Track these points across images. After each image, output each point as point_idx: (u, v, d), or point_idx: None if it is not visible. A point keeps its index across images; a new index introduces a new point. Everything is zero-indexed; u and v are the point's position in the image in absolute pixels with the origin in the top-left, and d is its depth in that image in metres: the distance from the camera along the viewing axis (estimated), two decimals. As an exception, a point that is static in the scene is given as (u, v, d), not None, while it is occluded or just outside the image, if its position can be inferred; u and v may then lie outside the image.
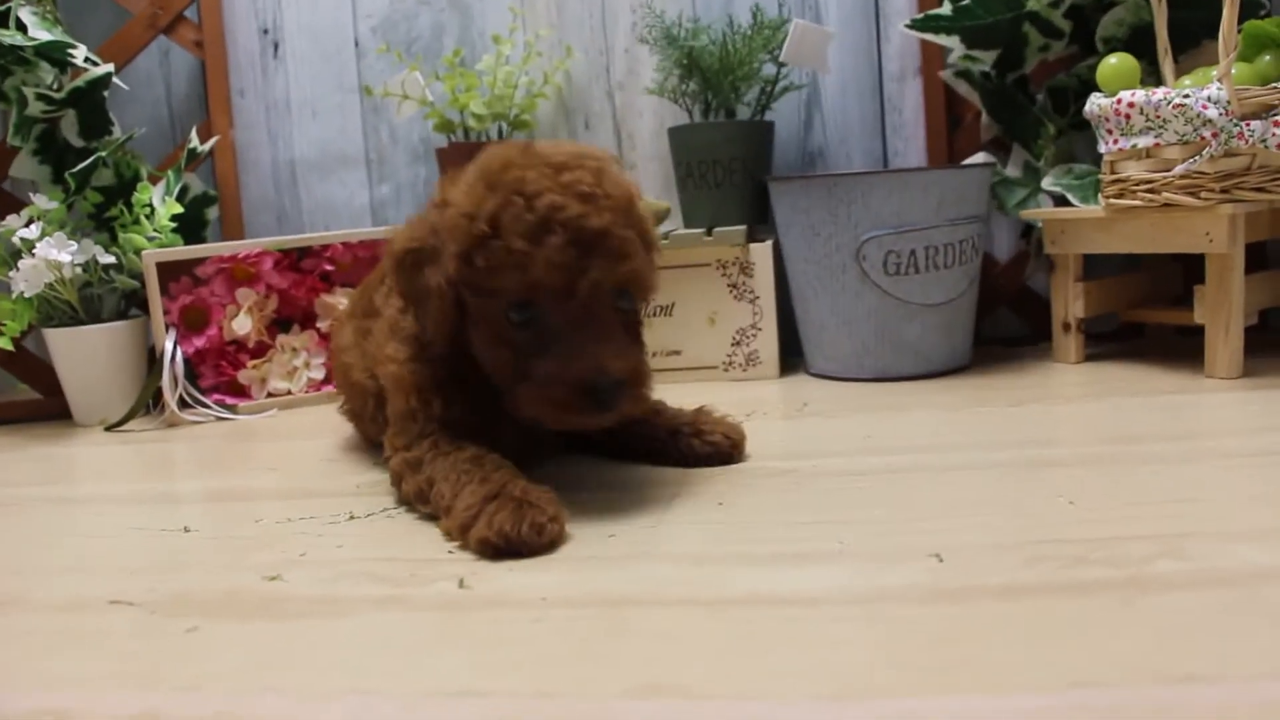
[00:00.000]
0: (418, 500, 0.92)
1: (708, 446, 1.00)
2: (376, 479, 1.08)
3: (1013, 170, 1.52)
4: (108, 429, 1.48)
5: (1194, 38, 1.37)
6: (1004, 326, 1.62)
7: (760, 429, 1.18)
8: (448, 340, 0.91)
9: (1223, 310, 1.22)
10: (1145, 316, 1.43)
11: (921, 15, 1.43)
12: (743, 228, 1.43)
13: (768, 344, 1.45)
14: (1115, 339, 1.55)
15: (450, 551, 0.82)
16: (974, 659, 0.57)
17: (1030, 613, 0.63)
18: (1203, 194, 1.19)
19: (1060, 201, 1.44)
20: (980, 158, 1.51)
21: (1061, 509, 0.82)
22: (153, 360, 1.58)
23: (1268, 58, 1.21)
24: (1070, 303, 1.39)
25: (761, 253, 1.43)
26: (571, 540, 0.82)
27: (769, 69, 1.50)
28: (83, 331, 1.50)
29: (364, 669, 0.62)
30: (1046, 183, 1.43)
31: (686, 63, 1.48)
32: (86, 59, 1.49)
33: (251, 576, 0.80)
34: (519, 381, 0.86)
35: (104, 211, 1.57)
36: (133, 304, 1.60)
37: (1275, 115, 1.15)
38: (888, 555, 0.75)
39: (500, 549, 0.79)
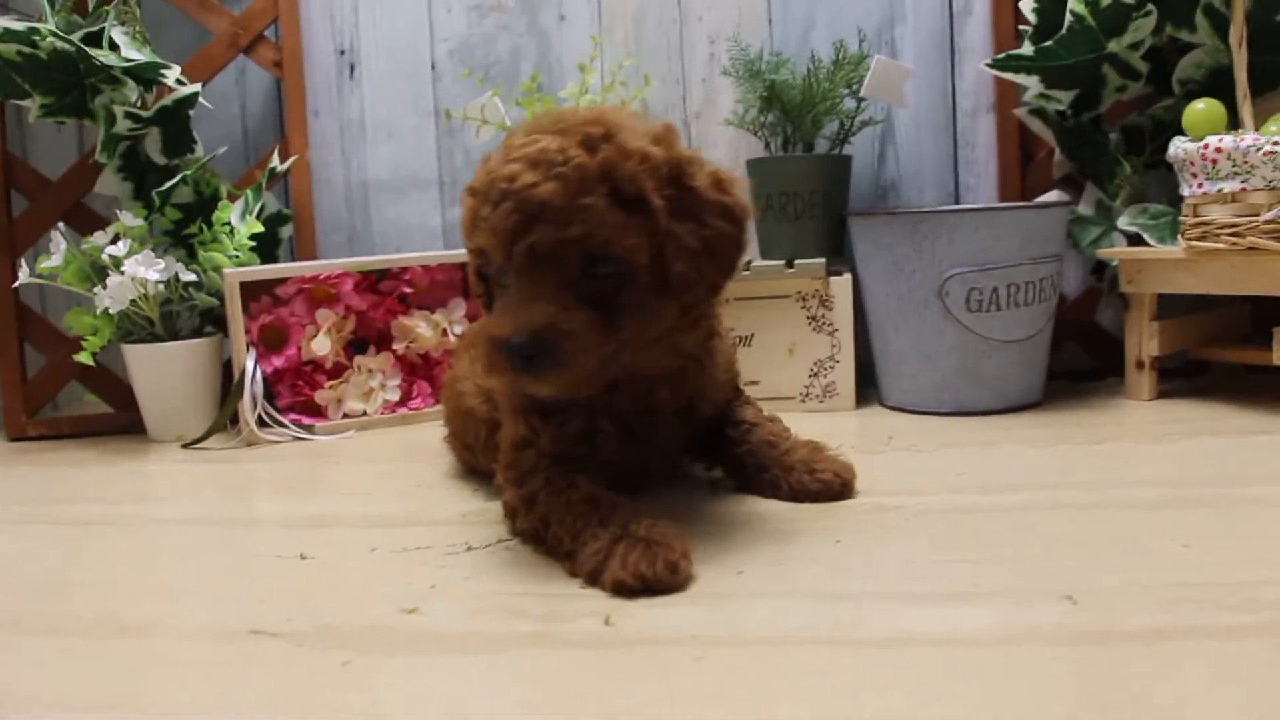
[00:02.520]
0: (533, 538, 0.93)
1: (818, 484, 1.01)
2: (479, 508, 1.09)
3: (1085, 208, 1.53)
4: (185, 446, 1.50)
5: (1271, 81, 1.39)
6: (1071, 361, 1.63)
7: (853, 462, 1.19)
8: (488, 307, 0.96)
9: (1305, 354, 1.24)
10: (1220, 355, 1.44)
11: (1003, 55, 1.44)
12: (823, 261, 1.45)
13: (845, 376, 1.47)
14: (1182, 375, 1.56)
15: (583, 587, 0.83)
16: (1132, 702, 0.58)
17: (1178, 656, 0.64)
18: (1289, 239, 1.20)
19: (1135, 240, 1.46)
20: (1055, 195, 1.53)
21: (1179, 552, 0.84)
22: (227, 378, 1.60)
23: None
24: (1145, 341, 1.41)
25: (841, 286, 1.45)
26: (700, 577, 0.84)
27: (847, 103, 1.52)
28: (162, 348, 1.52)
29: (531, 705, 0.63)
30: (1122, 222, 1.44)
31: (767, 95, 1.50)
32: (177, 80, 1.51)
33: (388, 609, 0.81)
34: None
35: (182, 229, 1.59)
36: (207, 321, 1.62)
37: (1366, 165, 1.17)
38: (1021, 596, 0.76)
39: (636, 589, 0.80)
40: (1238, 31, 1.31)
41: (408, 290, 1.58)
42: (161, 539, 1.07)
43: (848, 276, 1.46)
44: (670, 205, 0.86)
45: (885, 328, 1.43)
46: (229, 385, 1.60)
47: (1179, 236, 1.33)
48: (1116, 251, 1.42)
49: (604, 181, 0.84)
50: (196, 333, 1.58)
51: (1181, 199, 1.32)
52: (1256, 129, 1.28)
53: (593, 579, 0.83)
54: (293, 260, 1.70)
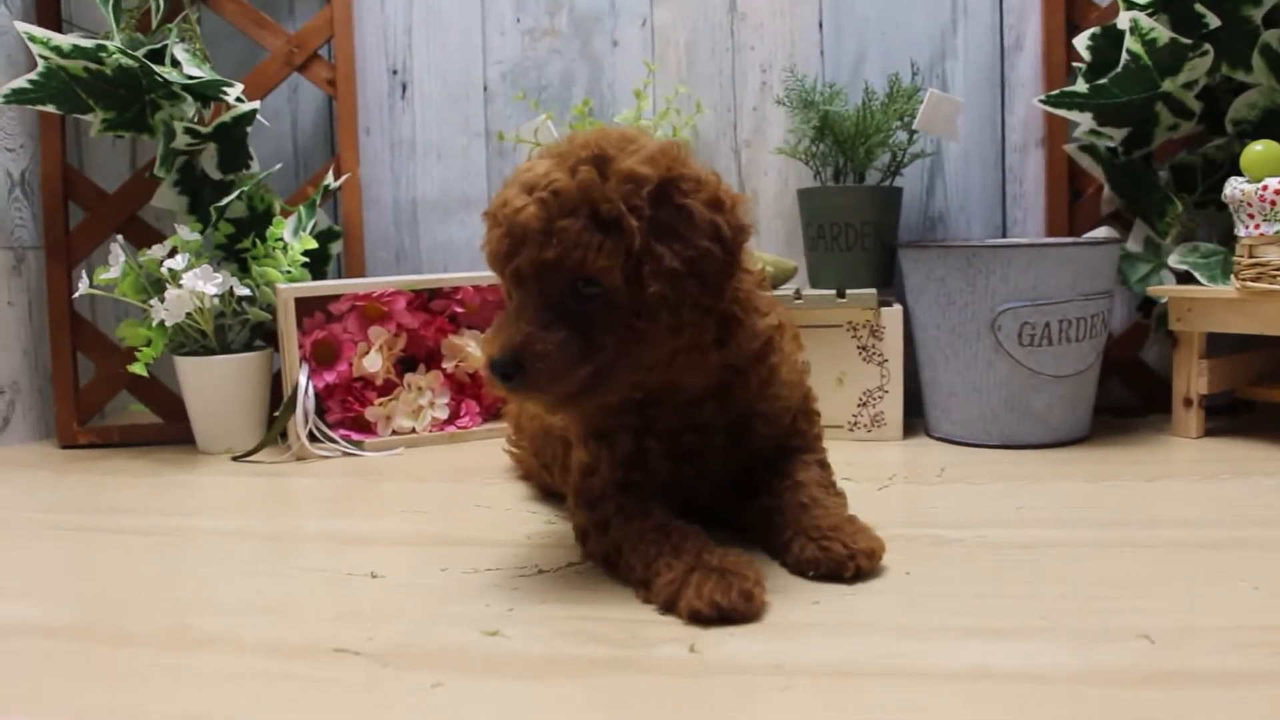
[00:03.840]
0: (605, 563, 0.95)
1: (820, 551, 0.91)
2: (542, 530, 1.10)
3: (1134, 245, 1.54)
4: (236, 459, 1.51)
5: (1325, 124, 1.40)
6: (1115, 397, 1.64)
7: (907, 494, 1.20)
8: None
9: (1358, 397, 1.25)
10: (1268, 395, 1.44)
11: (1057, 92, 1.46)
12: (874, 291, 1.46)
13: (893, 406, 1.47)
14: (1226, 414, 1.56)
15: (659, 613, 0.84)
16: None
17: (1255, 700, 0.65)
18: (1346, 283, 1.21)
19: (1183, 278, 1.47)
20: (1103, 232, 1.54)
21: (1247, 593, 0.84)
22: (276, 392, 1.61)
23: None
24: (1194, 379, 1.41)
25: (892, 316, 1.46)
26: (774, 606, 0.84)
27: (899, 135, 1.54)
28: (214, 361, 1.53)
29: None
30: (1173, 260, 1.45)
31: (821, 125, 1.51)
32: (237, 97, 1.53)
33: (468, 630, 0.82)
34: None
35: (235, 243, 1.61)
36: (258, 335, 1.63)
37: None
38: (1095, 634, 0.77)
39: (712, 618, 0.81)
40: (1293, 74, 1.33)
41: (459, 309, 1.60)
42: (221, 552, 1.08)
43: (899, 307, 1.47)
44: (651, 225, 0.86)
45: (935, 359, 1.44)
46: (278, 399, 1.61)
47: (1232, 276, 1.34)
48: (1168, 290, 1.43)
49: (584, 204, 0.85)
50: (247, 346, 1.60)
51: (1235, 239, 1.33)
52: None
53: (668, 607, 0.84)
54: (341, 277, 1.72)
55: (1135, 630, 0.77)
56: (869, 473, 1.30)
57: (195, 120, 1.57)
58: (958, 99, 1.51)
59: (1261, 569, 0.90)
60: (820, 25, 1.66)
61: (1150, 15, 1.38)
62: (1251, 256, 1.30)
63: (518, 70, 1.74)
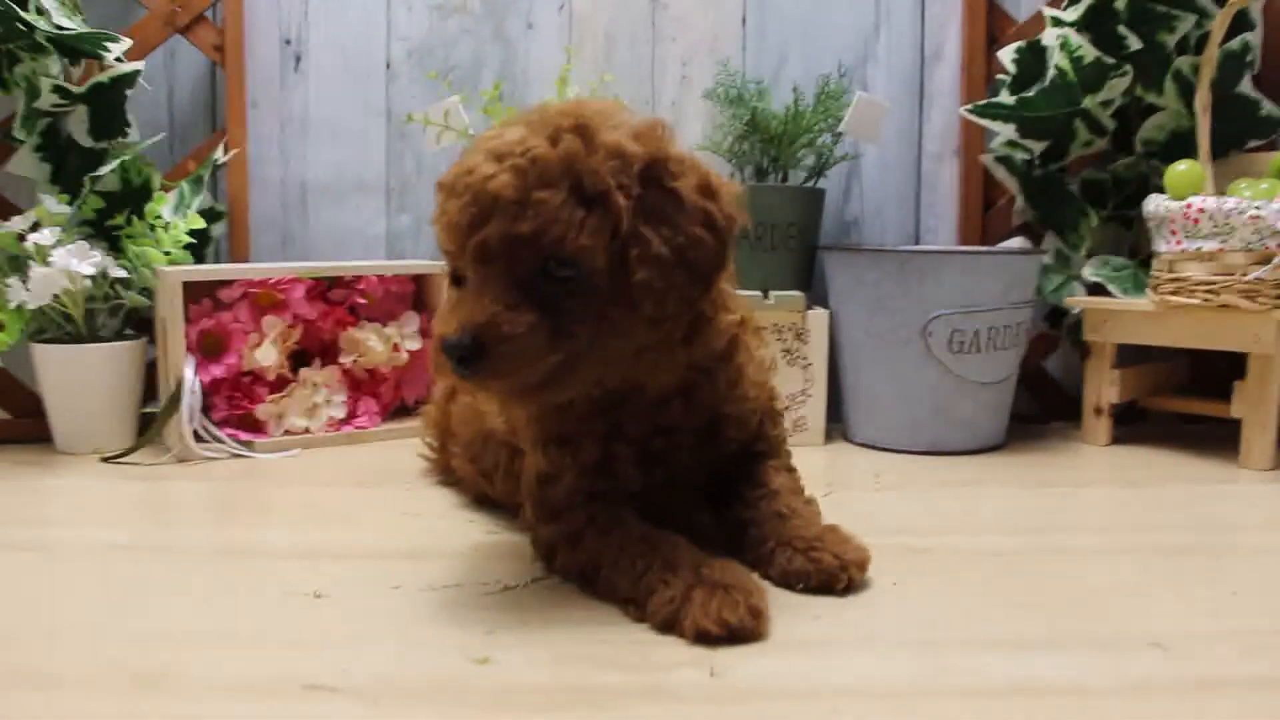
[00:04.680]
0: (578, 579, 0.88)
1: (809, 564, 0.87)
2: (489, 540, 1.02)
3: (1045, 257, 1.58)
4: (106, 460, 1.35)
5: (1225, 147, 1.46)
6: (1017, 404, 1.67)
7: (853, 501, 1.18)
8: None
9: (1262, 407, 1.30)
10: (1180, 406, 1.50)
11: (984, 102, 1.47)
12: (803, 294, 1.43)
13: (816, 411, 1.45)
14: (1121, 422, 1.61)
15: (657, 633, 0.78)
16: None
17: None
18: (1259, 299, 1.26)
19: (1094, 290, 1.51)
20: (1018, 242, 1.56)
21: (1230, 599, 0.86)
22: (151, 387, 1.45)
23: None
24: (1104, 388, 1.45)
25: (818, 319, 1.44)
26: (774, 621, 0.79)
27: (824, 136, 1.52)
28: (81, 350, 1.36)
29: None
30: (1087, 272, 1.49)
31: (749, 123, 1.48)
32: (118, 57, 1.37)
33: (453, 658, 0.73)
34: None
35: (105, 219, 1.44)
36: (128, 323, 1.46)
37: (1333, 233, 1.24)
38: (1105, 642, 0.77)
39: (721, 638, 0.75)
40: (1203, 98, 1.37)
41: (361, 300, 1.48)
42: (123, 570, 0.94)
43: (824, 310, 1.45)
44: (639, 206, 0.79)
45: (859, 364, 1.43)
46: (150, 394, 1.46)
47: (1148, 290, 1.38)
48: (1086, 301, 1.46)
49: (565, 176, 0.77)
50: (117, 335, 1.43)
51: (1154, 254, 1.37)
52: (1217, 191, 1.34)
53: (667, 626, 0.78)
54: (221, 261, 1.57)
55: (1144, 638, 0.77)
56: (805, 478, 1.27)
57: (61, 78, 1.39)
58: (884, 104, 1.51)
59: (1236, 573, 0.93)
60: (744, 21, 1.62)
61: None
62: (1171, 271, 1.34)
63: (424, 49, 1.63)
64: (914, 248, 1.52)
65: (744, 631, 0.76)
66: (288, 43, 1.62)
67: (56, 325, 1.38)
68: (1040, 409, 1.66)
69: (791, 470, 1.02)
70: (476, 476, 1.11)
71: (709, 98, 1.55)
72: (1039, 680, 0.70)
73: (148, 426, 1.38)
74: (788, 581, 0.88)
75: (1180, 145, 1.47)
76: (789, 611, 0.82)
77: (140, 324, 1.47)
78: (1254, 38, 1.47)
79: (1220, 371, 1.53)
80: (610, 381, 0.87)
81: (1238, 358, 1.34)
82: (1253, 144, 1.50)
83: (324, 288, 1.47)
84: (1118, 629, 0.79)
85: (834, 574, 0.86)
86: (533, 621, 0.81)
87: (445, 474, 1.23)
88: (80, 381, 1.37)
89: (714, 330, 0.90)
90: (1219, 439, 1.41)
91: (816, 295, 1.54)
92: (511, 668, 0.72)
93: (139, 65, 1.41)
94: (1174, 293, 1.33)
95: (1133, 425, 1.58)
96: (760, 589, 0.80)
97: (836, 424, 1.52)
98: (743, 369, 0.96)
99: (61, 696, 0.68)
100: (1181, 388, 1.59)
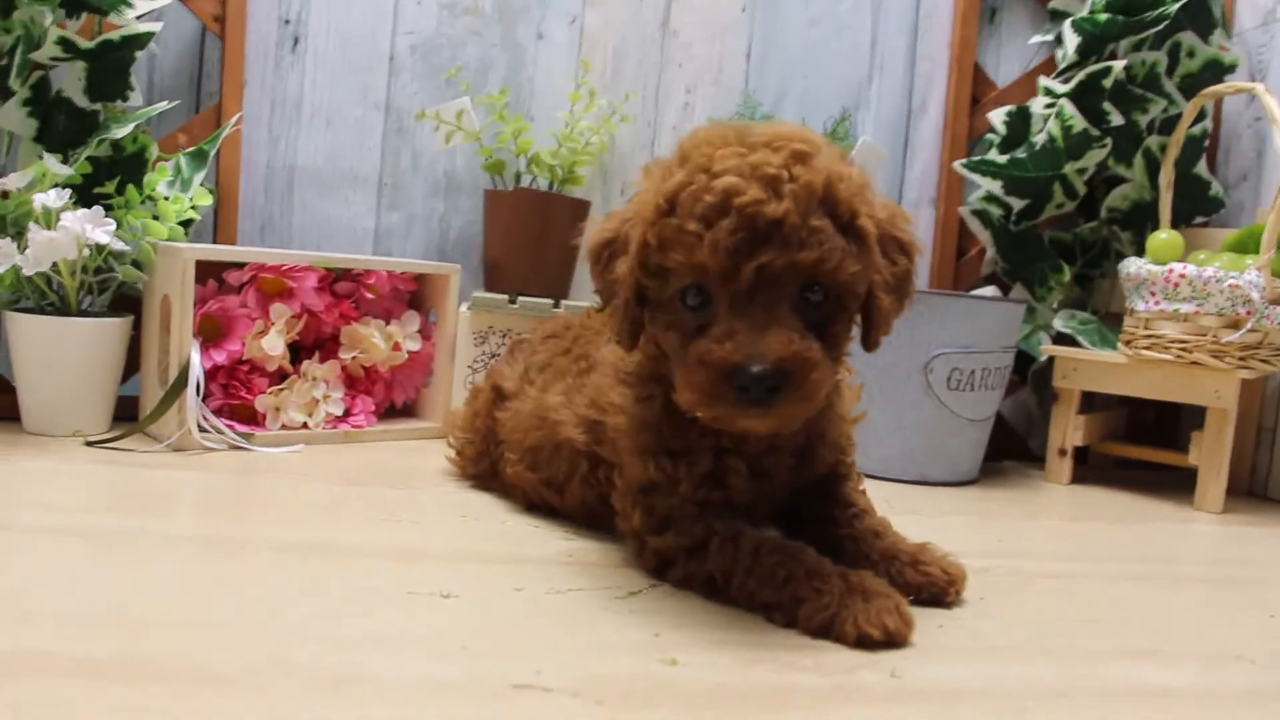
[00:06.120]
0: (703, 587, 0.88)
1: (921, 576, 0.92)
2: (570, 546, 1.01)
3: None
4: (89, 444, 1.25)
5: (1180, 220, 1.62)
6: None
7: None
8: (633, 340, 0.88)
9: (1217, 456, 1.44)
10: (1134, 453, 1.63)
11: (977, 159, 1.57)
12: (810, 323, 1.48)
13: (814, 437, 1.50)
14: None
15: (811, 638, 0.80)
16: None
17: None
18: (1225, 359, 1.40)
19: (1059, 340, 1.63)
20: (990, 291, 1.67)
21: (1270, 622, 0.96)
22: (130, 368, 1.36)
23: (1274, 255, 1.46)
24: (1069, 432, 1.57)
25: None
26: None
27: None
28: (67, 324, 1.26)
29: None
30: (1058, 323, 1.61)
31: (763, 155, 1.52)
32: (141, 16, 1.28)
33: (642, 660, 0.73)
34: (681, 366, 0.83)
35: (93, 186, 1.34)
36: (114, 299, 1.36)
37: (1292, 304, 1.40)
38: (1200, 655, 0.84)
39: (880, 643, 0.78)
40: (1167, 175, 1.52)
41: (368, 296, 1.43)
42: (196, 562, 0.89)
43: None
44: (876, 234, 0.83)
45: (861, 395, 1.49)
46: (128, 375, 1.36)
47: (1120, 343, 1.51)
48: (1060, 350, 1.58)
49: (825, 203, 0.79)
50: (104, 310, 1.33)
51: (1130, 311, 1.49)
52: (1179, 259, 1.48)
53: (823, 631, 0.80)
54: (205, 242, 1.48)
55: (1230, 653, 0.85)
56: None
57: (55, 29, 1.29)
58: (882, 149, 1.59)
59: (1255, 601, 1.03)
60: (748, 55, 1.68)
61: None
62: (1148, 329, 1.46)
63: (430, 45, 1.60)
64: (923, 289, 1.59)
65: (899, 636, 0.79)
66: (286, 22, 1.55)
67: (41, 294, 1.27)
68: (990, 448, 1.77)
69: (864, 492, 1.06)
70: (537, 485, 1.10)
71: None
72: (1175, 685, 0.77)
73: (125, 411, 1.28)
74: (900, 593, 0.91)
75: (1140, 215, 1.62)
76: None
77: (123, 301, 1.37)
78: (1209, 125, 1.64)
79: (1148, 422, 1.69)
80: None
81: (1167, 408, 1.48)
82: (1198, 220, 1.66)
83: (331, 279, 1.41)
84: (1202, 644, 0.87)
85: (944, 587, 0.91)
86: (686, 625, 0.81)
87: (479, 478, 1.21)
88: (61, 357, 1.26)
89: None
90: (1166, 483, 1.55)
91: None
92: (703, 669, 0.72)
93: (155, 27, 1.33)
94: (1148, 348, 1.46)
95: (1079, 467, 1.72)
96: (903, 598, 0.83)
97: (819, 452, 1.58)
98: (840, 389, 0.99)
99: (209, 691, 0.63)
100: (1118, 436, 1.74)
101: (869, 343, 0.87)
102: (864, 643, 0.78)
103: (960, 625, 0.87)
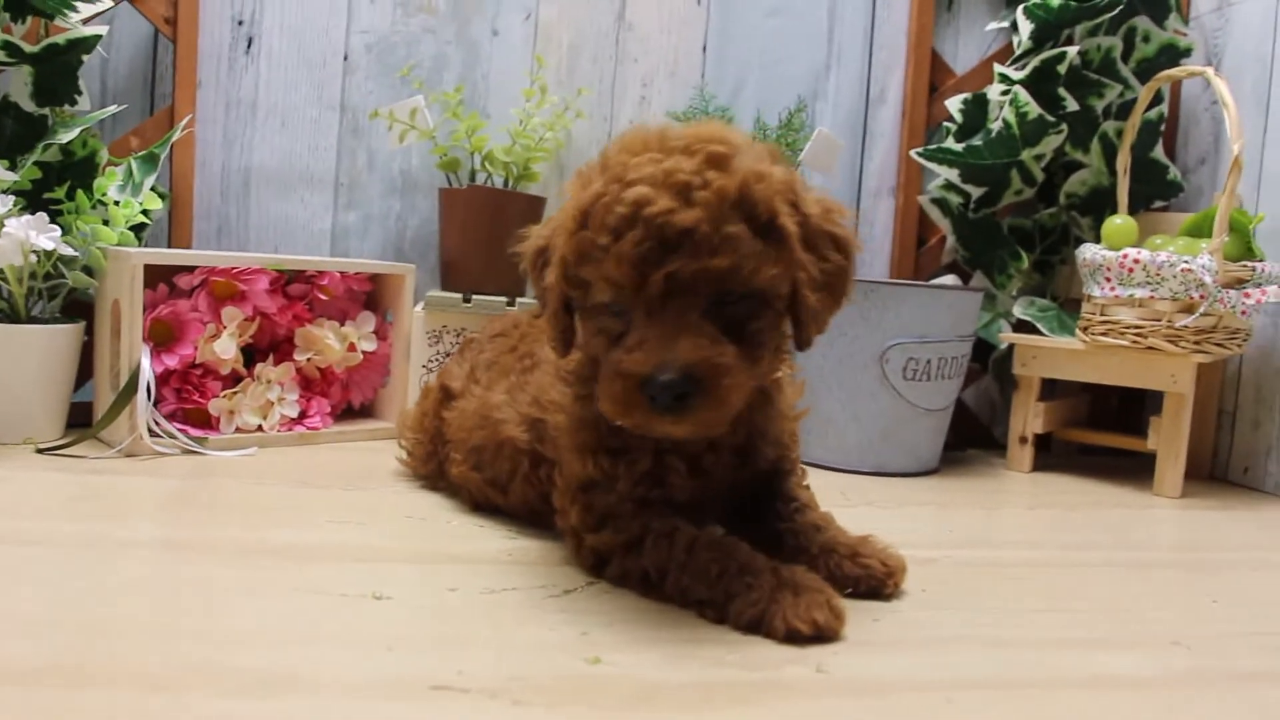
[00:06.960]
0: (639, 584, 0.88)
1: (859, 569, 0.92)
2: (512, 545, 1.01)
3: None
4: (41, 451, 1.24)
5: (1136, 204, 1.62)
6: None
7: (839, 517, 1.23)
8: (566, 347, 0.89)
9: (1175, 441, 1.44)
10: (1096, 439, 1.64)
11: (935, 147, 1.57)
12: (767, 316, 1.48)
13: (773, 429, 1.50)
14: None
15: (741, 633, 0.80)
16: None
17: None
18: (1180, 343, 1.41)
19: (1019, 327, 1.63)
20: (950, 279, 1.67)
21: (1211, 607, 0.96)
22: (83, 374, 1.35)
23: (1226, 239, 1.46)
24: (1030, 419, 1.57)
25: (781, 341, 1.49)
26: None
27: (783, 167, 1.58)
28: (16, 331, 1.26)
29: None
30: (1017, 310, 1.61)
31: (718, 148, 1.52)
32: (84, 20, 1.28)
33: (567, 658, 0.73)
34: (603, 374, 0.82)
35: (42, 191, 1.33)
36: (64, 305, 1.36)
37: (1245, 288, 1.39)
38: (1138, 643, 0.85)
39: (809, 637, 0.78)
40: (1124, 160, 1.52)
41: (321, 297, 1.43)
42: (141, 568, 0.89)
43: (783, 333, 1.50)
44: (800, 232, 0.82)
45: (816, 387, 1.49)
46: (81, 382, 1.36)
47: (1078, 330, 1.51)
48: (1019, 337, 1.58)
49: (743, 205, 0.78)
50: (53, 317, 1.33)
51: (1087, 297, 1.49)
52: (1134, 244, 1.48)
53: (753, 627, 0.80)
54: (159, 246, 1.48)
55: (1168, 638, 0.85)
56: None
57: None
58: (839, 141, 1.59)
59: (1210, 587, 1.03)
60: (705, 48, 1.67)
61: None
62: (1103, 315, 1.46)
63: (385, 44, 1.59)
64: (879, 279, 1.59)
65: (829, 631, 0.79)
66: (240, 23, 1.55)
67: (-12, 303, 1.27)
68: (954, 437, 1.77)
69: (808, 487, 1.06)
70: (481, 484, 1.10)
71: (679, 119, 1.58)
72: (1112, 675, 0.77)
73: (80, 417, 1.28)
74: (837, 585, 0.91)
75: (1098, 200, 1.62)
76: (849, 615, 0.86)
77: (75, 307, 1.37)
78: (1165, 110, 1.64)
79: (1111, 408, 1.70)
80: None
81: (1131, 394, 1.48)
82: (1157, 204, 1.66)
83: (284, 281, 1.41)
84: (1139, 631, 0.88)
85: (882, 579, 0.91)
86: (616, 623, 0.81)
87: (429, 479, 1.21)
88: (12, 364, 1.26)
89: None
90: (1128, 469, 1.55)
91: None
92: (628, 668, 0.72)
93: (101, 30, 1.32)
94: (1104, 334, 1.46)
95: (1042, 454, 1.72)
96: (835, 593, 0.83)
97: (780, 443, 1.58)
98: (781, 387, 0.99)
99: (193, 699, 0.63)
100: (1080, 423, 1.74)
101: (800, 341, 0.86)
102: (793, 638, 0.78)
103: (896, 617, 0.87)
